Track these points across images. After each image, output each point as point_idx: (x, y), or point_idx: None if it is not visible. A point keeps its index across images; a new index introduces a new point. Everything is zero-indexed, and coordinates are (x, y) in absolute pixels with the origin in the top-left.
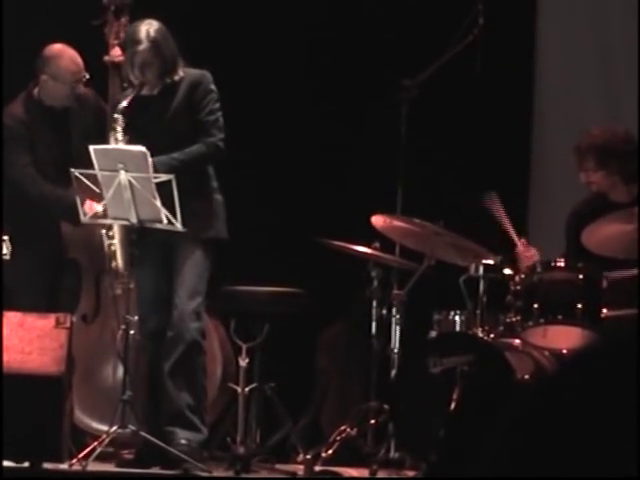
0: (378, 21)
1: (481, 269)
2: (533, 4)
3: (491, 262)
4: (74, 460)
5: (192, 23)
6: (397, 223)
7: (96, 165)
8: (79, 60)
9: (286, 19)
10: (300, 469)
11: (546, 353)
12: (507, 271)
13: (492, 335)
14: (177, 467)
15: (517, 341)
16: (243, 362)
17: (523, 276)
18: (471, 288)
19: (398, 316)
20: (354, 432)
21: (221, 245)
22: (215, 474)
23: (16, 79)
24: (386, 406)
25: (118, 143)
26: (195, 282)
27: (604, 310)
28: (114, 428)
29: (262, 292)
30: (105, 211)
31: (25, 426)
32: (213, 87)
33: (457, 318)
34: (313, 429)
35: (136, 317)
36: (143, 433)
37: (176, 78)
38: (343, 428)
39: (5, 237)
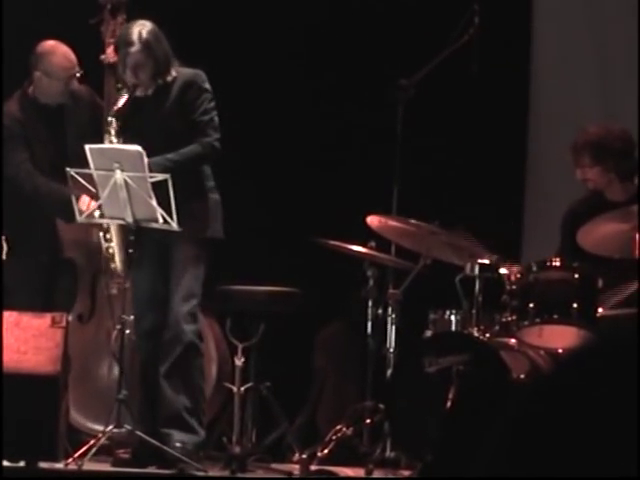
0: (374, 20)
1: (477, 268)
2: (529, 3)
3: (487, 261)
4: (70, 459)
5: (188, 21)
6: (392, 223)
7: (92, 164)
8: (72, 56)
9: (283, 19)
10: (296, 469)
11: (542, 352)
12: (503, 270)
13: (488, 334)
14: (173, 467)
15: (513, 340)
16: (239, 361)
17: (519, 275)
18: (467, 287)
19: (394, 315)
20: (350, 432)
21: (217, 245)
22: (211, 473)
23: (12, 78)
24: (382, 405)
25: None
26: (190, 284)
27: (600, 309)
28: (110, 427)
29: (258, 291)
30: (101, 209)
31: (21, 425)
32: (207, 86)
33: (453, 317)
34: (309, 428)
35: (132, 317)
36: (139, 432)
37: (169, 79)
38: (339, 427)
39: (2, 237)
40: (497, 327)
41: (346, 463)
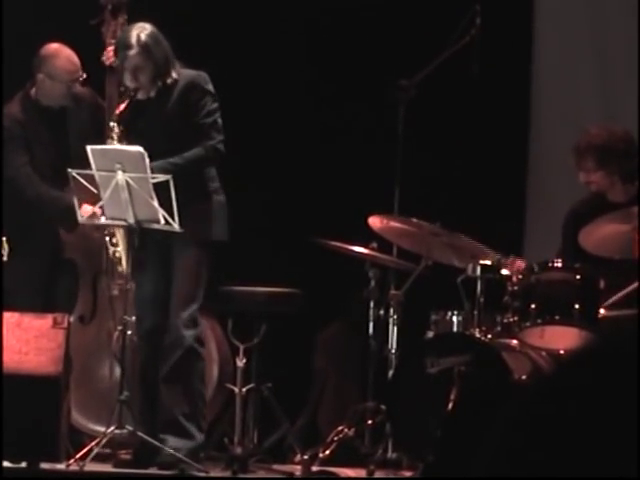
0: (375, 21)
1: (478, 269)
2: (531, 4)
3: (488, 263)
4: (71, 460)
5: (189, 22)
6: (394, 224)
7: (93, 165)
8: (76, 59)
9: (284, 20)
10: (297, 469)
11: (543, 353)
12: (504, 272)
13: (489, 335)
14: (174, 467)
15: (514, 341)
16: (240, 362)
17: (520, 277)
18: (468, 288)
19: (395, 316)
20: (351, 432)
21: (219, 247)
22: (212, 474)
23: (13, 79)
24: (383, 406)
25: None
26: (189, 288)
27: (601, 310)
28: (111, 428)
29: (259, 292)
30: (102, 211)
31: (22, 426)
32: (210, 88)
33: (454, 318)
34: (310, 429)
35: (133, 318)
36: (140, 433)
37: (170, 81)
38: (340, 428)
39: (3, 238)
40: (499, 328)
41: (347, 464)
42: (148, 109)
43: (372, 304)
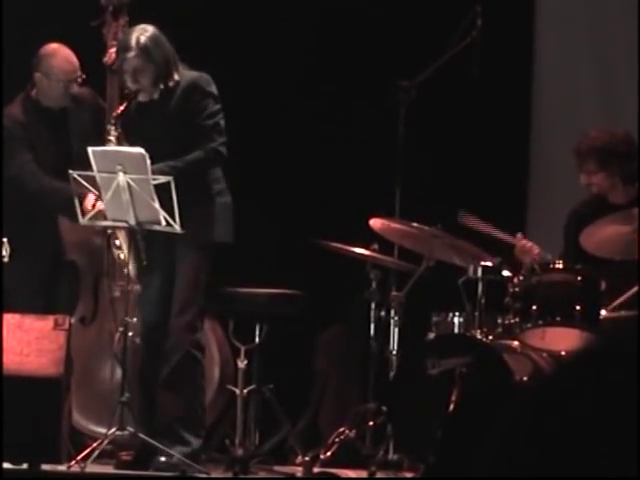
0: (375, 22)
1: (479, 271)
2: (531, 5)
3: (489, 264)
4: (73, 462)
5: (190, 22)
6: (395, 225)
7: (94, 167)
8: (74, 59)
9: (285, 21)
10: (299, 471)
11: (544, 355)
12: (505, 273)
13: (490, 337)
14: (175, 469)
15: (515, 343)
16: (241, 364)
17: (521, 278)
18: (470, 290)
19: (396, 318)
20: (352, 434)
21: (222, 248)
22: (213, 476)
23: (15, 80)
24: (384, 408)
25: None
26: (189, 294)
27: (602, 312)
28: (112, 430)
29: (260, 294)
30: (104, 210)
31: (23, 428)
32: (211, 89)
33: (455, 320)
34: (311, 431)
35: (134, 319)
36: (141, 435)
37: (172, 83)
38: (341, 430)
39: (4, 239)
40: (500, 329)
41: (349, 465)
42: (150, 111)
43: (373, 305)
